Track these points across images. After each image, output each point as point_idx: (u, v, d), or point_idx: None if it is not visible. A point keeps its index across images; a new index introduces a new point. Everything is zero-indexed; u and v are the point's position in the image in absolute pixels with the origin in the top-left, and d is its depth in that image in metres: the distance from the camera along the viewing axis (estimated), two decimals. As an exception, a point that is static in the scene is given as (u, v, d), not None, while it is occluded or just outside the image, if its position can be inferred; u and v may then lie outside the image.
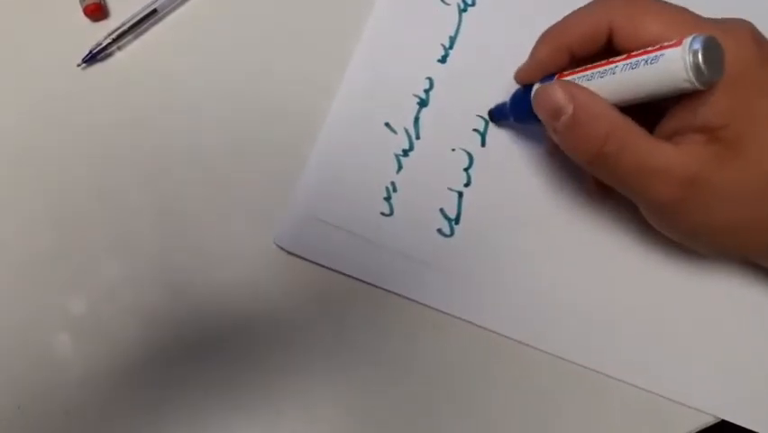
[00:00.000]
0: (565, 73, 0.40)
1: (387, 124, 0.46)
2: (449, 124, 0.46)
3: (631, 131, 0.37)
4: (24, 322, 0.43)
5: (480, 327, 0.44)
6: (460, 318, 0.44)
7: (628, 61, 0.36)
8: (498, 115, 0.46)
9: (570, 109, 0.37)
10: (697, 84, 0.34)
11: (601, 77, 0.37)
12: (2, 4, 0.47)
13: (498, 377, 0.44)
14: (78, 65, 0.46)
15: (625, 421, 0.44)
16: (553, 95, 0.38)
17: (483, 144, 0.46)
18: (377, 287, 0.44)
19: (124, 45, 0.47)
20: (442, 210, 0.45)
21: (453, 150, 0.46)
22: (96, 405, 0.42)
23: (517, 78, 0.43)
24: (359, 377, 0.43)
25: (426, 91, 0.46)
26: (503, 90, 0.45)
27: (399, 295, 0.44)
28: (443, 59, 0.47)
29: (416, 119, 0.46)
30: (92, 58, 0.46)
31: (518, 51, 0.43)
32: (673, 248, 0.44)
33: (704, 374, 0.44)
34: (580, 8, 0.40)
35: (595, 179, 0.42)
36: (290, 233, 0.44)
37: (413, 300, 0.44)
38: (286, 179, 0.45)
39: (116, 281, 0.44)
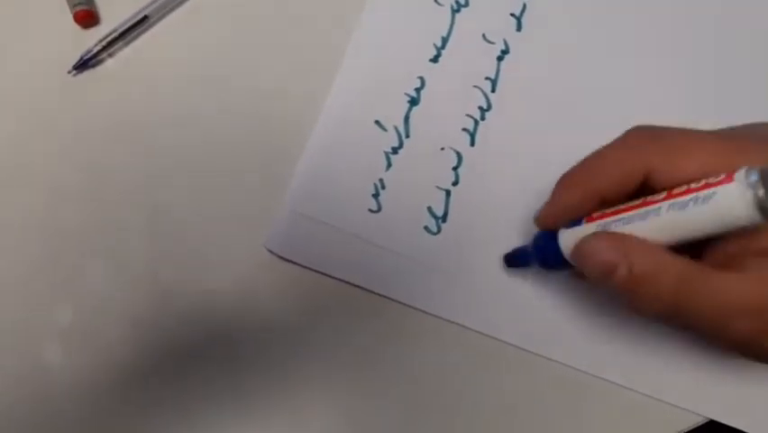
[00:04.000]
0: (594, 216, 0.37)
1: (377, 122, 0.46)
2: (439, 123, 0.46)
3: (696, 275, 0.34)
4: (14, 330, 0.43)
5: (467, 328, 0.43)
6: (441, 318, 0.43)
7: (673, 201, 0.34)
8: (517, 261, 0.43)
9: (624, 268, 0.34)
10: (762, 220, 0.31)
11: (642, 219, 0.34)
12: (-9, 11, 0.47)
13: (488, 379, 0.43)
14: (69, 72, 0.46)
15: (613, 422, 0.43)
16: (600, 252, 0.35)
17: (472, 144, 0.46)
18: (365, 289, 0.44)
19: (115, 52, 0.47)
20: (429, 208, 0.44)
21: (443, 148, 0.45)
22: (88, 413, 0.42)
23: (539, 222, 0.40)
24: (351, 381, 0.43)
25: (417, 90, 0.46)
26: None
27: (387, 297, 0.44)
28: (434, 59, 0.47)
29: (407, 117, 0.46)
30: (83, 64, 0.46)
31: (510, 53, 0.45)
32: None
33: (693, 375, 0.43)
34: (606, 150, 0.37)
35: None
36: (280, 232, 0.44)
37: (400, 303, 0.44)
38: (276, 184, 0.45)
39: (107, 288, 0.43)
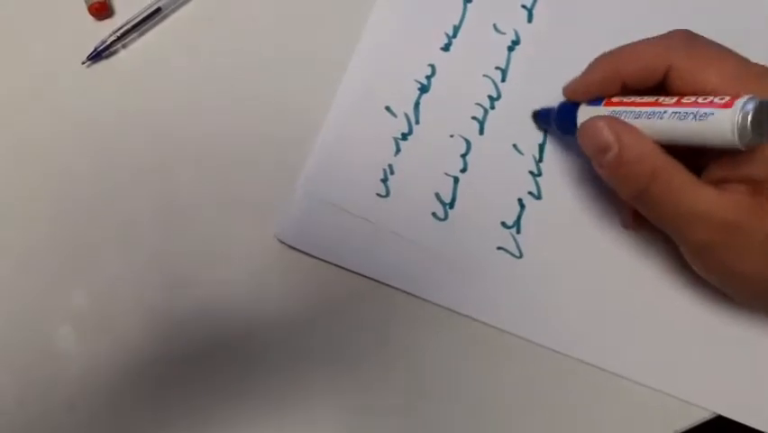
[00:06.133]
0: (613, 100, 0.40)
1: (387, 108, 0.46)
2: (449, 111, 0.46)
3: (676, 173, 0.37)
4: (27, 317, 0.43)
5: (474, 319, 0.44)
6: (446, 308, 0.44)
7: (677, 110, 0.36)
8: (542, 119, 0.46)
9: (616, 148, 0.37)
10: (740, 146, 0.34)
11: (648, 118, 0.37)
12: (8, 2, 0.47)
13: (499, 372, 0.43)
14: (83, 63, 0.46)
15: (622, 416, 0.43)
16: (599, 132, 0.38)
17: (482, 132, 0.46)
18: (373, 280, 0.44)
19: (129, 43, 0.47)
20: (437, 194, 0.45)
21: (452, 136, 0.46)
22: (99, 400, 0.42)
23: (566, 93, 0.43)
24: (360, 373, 0.43)
25: (428, 77, 0.46)
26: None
27: (397, 289, 0.44)
28: (446, 48, 0.47)
29: (417, 104, 0.46)
30: (97, 56, 0.46)
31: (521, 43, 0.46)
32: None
33: (702, 370, 0.43)
34: (643, 41, 0.40)
35: (633, 213, 0.43)
36: (290, 220, 0.44)
37: (409, 293, 0.44)
38: (287, 174, 0.45)
39: (118, 277, 0.44)
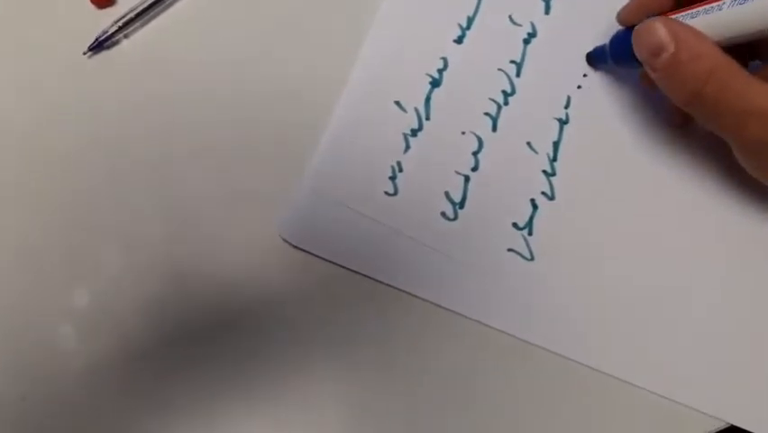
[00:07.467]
0: (669, 14, 0.39)
1: (397, 103, 0.45)
2: (460, 106, 0.45)
3: (733, 71, 0.36)
4: (29, 313, 0.43)
5: (481, 323, 0.43)
6: (453, 311, 0.43)
7: None
8: (596, 58, 0.45)
9: (671, 47, 0.37)
10: None
11: (707, 13, 0.37)
12: (7, -10, 0.47)
13: (504, 377, 0.43)
14: (85, 53, 0.45)
15: (634, 425, 0.43)
16: (654, 31, 0.38)
17: (494, 129, 0.45)
18: (380, 282, 0.43)
19: (131, 33, 0.46)
20: (447, 193, 0.44)
21: (463, 133, 0.45)
22: (101, 396, 0.42)
23: (619, 18, 0.43)
24: (362, 371, 0.42)
25: (440, 71, 0.45)
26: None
27: (403, 291, 0.43)
28: (459, 40, 0.46)
29: (428, 99, 0.45)
30: (98, 45, 0.45)
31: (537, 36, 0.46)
32: (686, 257, 0.44)
33: (715, 379, 0.43)
34: None
35: (675, 111, 0.43)
36: (294, 218, 0.43)
37: (414, 295, 0.43)
38: (292, 170, 0.44)
39: (120, 272, 0.43)
